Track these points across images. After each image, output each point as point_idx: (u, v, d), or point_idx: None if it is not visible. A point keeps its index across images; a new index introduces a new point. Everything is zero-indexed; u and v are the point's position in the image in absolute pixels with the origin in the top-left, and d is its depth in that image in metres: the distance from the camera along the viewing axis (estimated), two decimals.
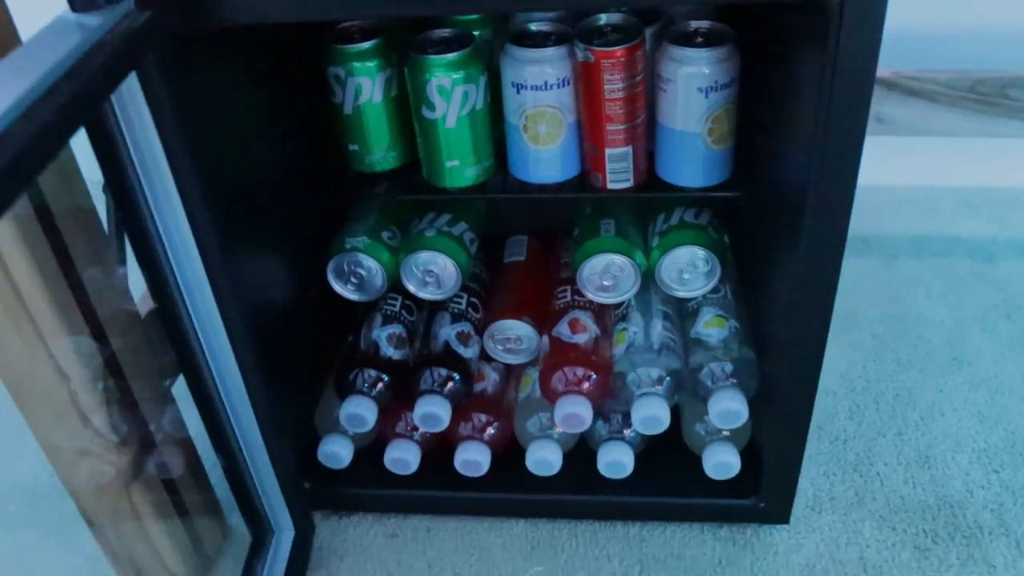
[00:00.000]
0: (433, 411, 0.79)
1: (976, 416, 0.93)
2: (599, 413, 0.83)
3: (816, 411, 0.93)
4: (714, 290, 0.82)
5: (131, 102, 0.56)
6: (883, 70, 1.08)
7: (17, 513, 0.94)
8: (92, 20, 0.52)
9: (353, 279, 0.83)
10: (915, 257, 1.15)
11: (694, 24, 0.73)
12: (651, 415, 0.76)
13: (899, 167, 1.23)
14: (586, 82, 0.72)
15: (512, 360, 0.85)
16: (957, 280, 1.11)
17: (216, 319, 0.68)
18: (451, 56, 0.72)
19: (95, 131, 0.57)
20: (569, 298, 0.84)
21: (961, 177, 1.26)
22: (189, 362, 0.71)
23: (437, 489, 0.86)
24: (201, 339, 0.69)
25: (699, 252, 0.79)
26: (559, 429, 0.81)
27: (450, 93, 0.74)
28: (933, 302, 1.08)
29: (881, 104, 1.09)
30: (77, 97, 0.47)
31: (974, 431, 0.91)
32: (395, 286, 0.84)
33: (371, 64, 0.76)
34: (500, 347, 0.85)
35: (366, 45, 0.76)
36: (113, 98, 0.56)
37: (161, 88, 0.56)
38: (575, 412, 0.77)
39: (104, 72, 0.50)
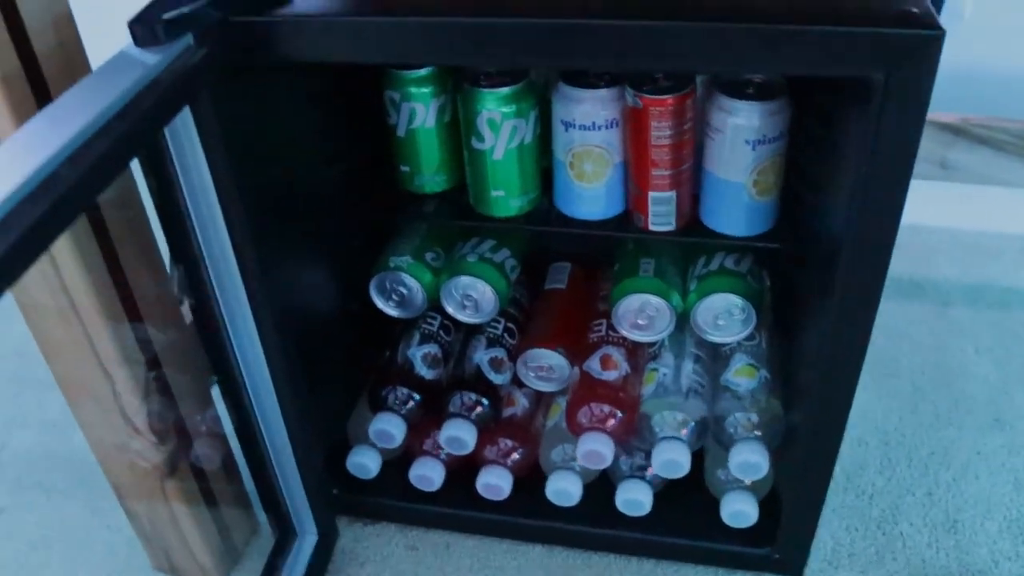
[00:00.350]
0: (459, 435, 0.81)
1: (1012, 482, 0.91)
2: (622, 449, 0.83)
3: (846, 461, 0.94)
4: (749, 337, 0.81)
5: (184, 133, 0.59)
6: (951, 115, 1.06)
7: (66, 488, 0.98)
8: (151, 57, 0.54)
9: (395, 296, 0.85)
10: (969, 306, 1.12)
11: (747, 74, 0.72)
12: (671, 459, 0.77)
13: (963, 211, 1.21)
14: (634, 127, 0.72)
15: (543, 387, 0.86)
16: (1010, 334, 1.08)
17: (251, 328, 0.70)
18: (503, 91, 0.73)
19: (148, 159, 0.59)
20: (604, 332, 0.84)
21: None
22: (224, 368, 0.74)
23: (459, 507, 0.87)
24: (235, 347, 0.72)
25: (735, 300, 0.79)
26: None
27: (499, 126, 0.74)
28: (981, 356, 1.05)
29: (946, 150, 1.06)
30: (131, 133, 0.50)
31: (1008, 498, 0.90)
32: (435, 305, 0.86)
33: (426, 90, 0.77)
34: (532, 374, 0.86)
35: (422, 72, 0.77)
36: (167, 130, 0.58)
37: (212, 120, 0.58)
38: (597, 449, 0.78)
39: (158, 108, 0.53)
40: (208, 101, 0.58)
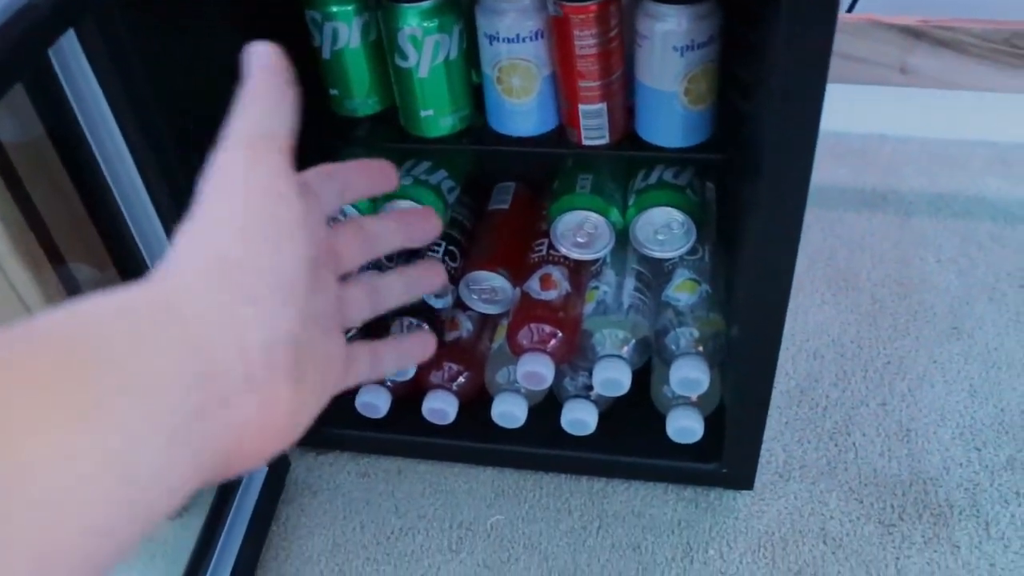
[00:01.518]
0: None
1: (968, 390, 0.90)
2: (567, 369, 0.83)
3: (800, 374, 0.93)
4: (691, 252, 0.80)
5: (72, 58, 0.56)
6: (911, 17, 1.03)
7: None
8: None
9: (332, 224, 0.83)
10: (932, 216, 1.10)
11: None
12: (611, 377, 0.76)
13: (928, 119, 1.18)
14: (557, 37, 0.70)
15: (487, 310, 0.85)
16: (973, 243, 1.06)
17: None
18: (423, 5, 0.70)
19: (35, 89, 0.57)
20: (544, 252, 0.83)
21: (996, 133, 1.19)
22: None
23: (407, 433, 0.87)
24: None
25: (675, 214, 0.77)
26: None
27: (422, 43, 0.72)
28: (943, 266, 1.04)
29: (907, 54, 1.03)
30: (5, 56, 0.48)
31: (962, 406, 0.89)
32: None
33: (348, 8, 0.75)
34: (476, 296, 0.85)
35: None
36: (52, 55, 0.56)
37: (100, 44, 0.56)
38: (536, 370, 0.77)
39: (33, 32, 0.51)
40: (95, 25, 0.56)
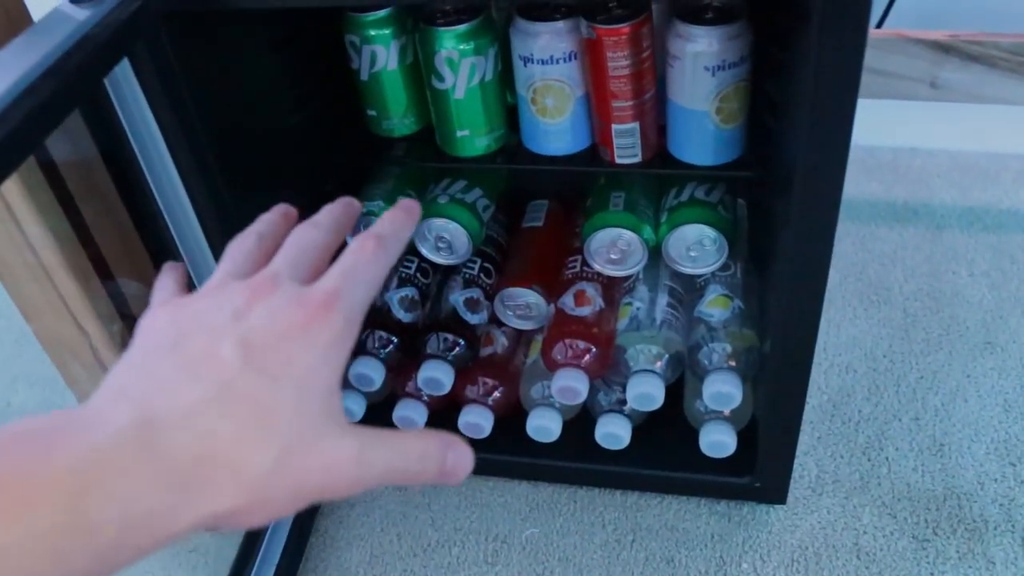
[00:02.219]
0: (436, 376, 0.82)
1: (1002, 405, 0.90)
2: (601, 384, 0.84)
3: (833, 389, 0.93)
4: (723, 268, 0.81)
5: (126, 85, 0.59)
6: (940, 32, 1.03)
7: None
8: (83, 12, 0.54)
9: None
10: (964, 230, 1.10)
11: None
12: (644, 392, 0.77)
13: (959, 133, 1.18)
14: (591, 58, 0.71)
15: (522, 326, 0.87)
16: (1006, 257, 1.06)
17: None
18: (459, 28, 0.72)
19: (91, 114, 0.60)
20: (578, 269, 0.84)
21: None
22: None
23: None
24: None
25: (707, 231, 0.78)
26: None
27: (458, 65, 0.74)
28: (975, 280, 1.04)
29: (937, 69, 1.03)
30: (61, 88, 0.51)
31: (996, 421, 0.89)
32: (412, 248, 0.86)
33: (386, 32, 0.77)
34: (511, 312, 0.86)
35: (380, 13, 0.76)
36: (107, 82, 0.58)
37: (151, 70, 0.58)
38: (571, 385, 0.78)
39: (90, 62, 0.53)
40: (147, 52, 0.58)
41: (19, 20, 0.61)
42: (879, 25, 1.10)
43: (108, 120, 0.60)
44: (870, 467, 0.86)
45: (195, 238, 0.68)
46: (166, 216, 0.66)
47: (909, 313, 1.01)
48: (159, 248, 0.70)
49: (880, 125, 1.11)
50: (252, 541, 0.84)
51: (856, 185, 1.17)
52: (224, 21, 0.69)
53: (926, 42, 1.02)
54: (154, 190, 0.64)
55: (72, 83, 0.51)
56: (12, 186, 0.64)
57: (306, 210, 0.83)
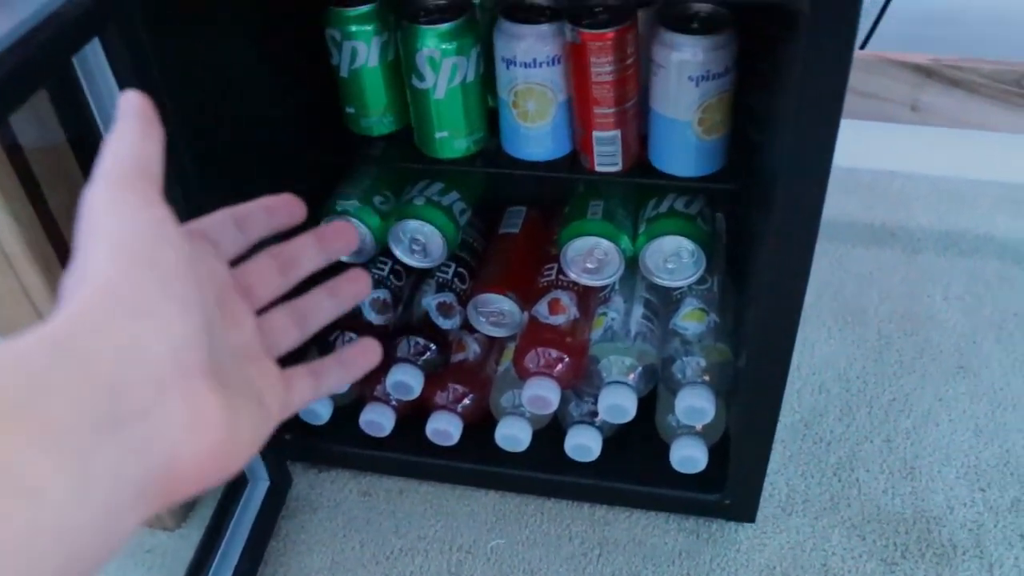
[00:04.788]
0: (405, 380, 0.80)
1: (972, 429, 0.90)
2: (573, 394, 0.82)
3: (805, 408, 0.93)
4: (700, 281, 0.80)
5: (96, 66, 0.57)
6: (922, 55, 1.03)
7: None
8: None
9: None
10: (940, 253, 1.10)
11: (693, 7, 0.70)
12: (616, 404, 0.76)
13: (938, 157, 1.18)
14: (574, 63, 0.70)
15: (495, 333, 0.85)
16: (981, 282, 1.06)
17: None
18: (441, 27, 0.71)
19: (58, 96, 0.58)
20: (554, 277, 0.83)
21: (1005, 172, 1.19)
22: None
23: (410, 453, 0.87)
24: None
25: (685, 243, 0.77)
26: None
27: (439, 64, 0.73)
28: (950, 303, 1.04)
29: (918, 92, 1.04)
30: (29, 61, 0.49)
31: (967, 445, 0.89)
32: (386, 250, 0.85)
33: (368, 28, 0.76)
34: (484, 319, 0.85)
35: (363, 8, 0.75)
36: (76, 63, 0.57)
37: (124, 53, 0.57)
38: (542, 394, 0.77)
39: (59, 39, 0.51)
40: (118, 34, 0.56)
41: None
42: (863, 46, 1.10)
43: (77, 104, 0.58)
44: (840, 488, 0.86)
45: None
46: None
47: (883, 335, 1.00)
48: None
49: (860, 146, 1.10)
50: (211, 541, 0.82)
51: (835, 205, 1.16)
52: (202, 6, 0.67)
53: (908, 65, 1.02)
54: None
55: (38, 59, 0.50)
56: None
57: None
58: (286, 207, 0.40)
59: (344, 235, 0.42)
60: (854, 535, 0.82)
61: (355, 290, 0.42)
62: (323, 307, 0.40)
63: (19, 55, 0.48)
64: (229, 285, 0.36)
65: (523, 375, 0.79)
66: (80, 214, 0.31)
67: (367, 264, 0.87)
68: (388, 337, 0.84)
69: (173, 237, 0.31)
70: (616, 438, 0.84)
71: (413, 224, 0.82)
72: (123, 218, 0.30)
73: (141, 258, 0.29)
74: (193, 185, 0.66)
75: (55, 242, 0.69)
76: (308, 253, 0.40)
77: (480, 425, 0.85)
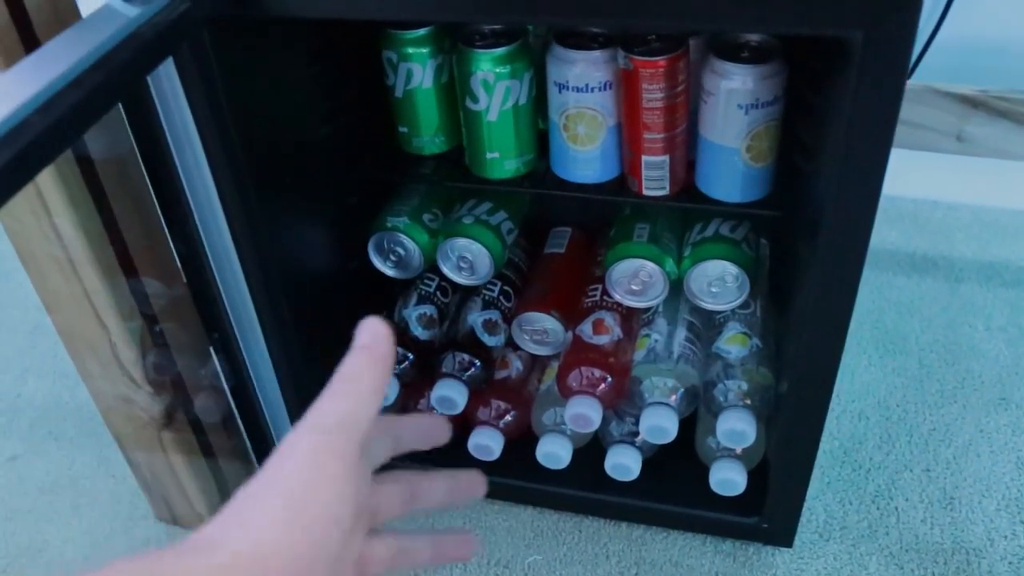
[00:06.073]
0: (449, 395, 0.82)
1: (1014, 462, 0.90)
2: (614, 414, 0.83)
3: (845, 435, 0.93)
4: (743, 306, 0.81)
5: (168, 85, 0.59)
6: (969, 87, 1.04)
7: (75, 437, 1.01)
8: (133, 9, 0.55)
9: (392, 256, 0.86)
10: (983, 284, 1.10)
11: (744, 36, 0.71)
12: (658, 425, 0.77)
13: (982, 188, 1.18)
14: (626, 89, 0.72)
15: (538, 351, 0.87)
16: (1022, 313, 1.06)
17: (242, 287, 0.72)
18: (496, 52, 0.73)
19: (132, 111, 0.61)
20: (598, 297, 0.84)
21: None
22: (218, 325, 0.75)
23: (451, 467, 0.88)
24: (227, 305, 0.73)
25: (729, 267, 0.78)
26: None
27: (493, 88, 0.74)
28: (992, 334, 1.03)
29: (963, 123, 1.04)
30: (105, 84, 0.51)
31: (1008, 477, 0.88)
32: (433, 267, 0.87)
33: (423, 51, 0.78)
34: (528, 337, 0.86)
35: (419, 32, 0.77)
36: (150, 80, 0.59)
37: (194, 72, 0.59)
38: (584, 413, 0.78)
39: (135, 59, 0.54)
40: (190, 53, 0.58)
41: (66, 14, 0.62)
42: (909, 76, 1.10)
43: (148, 118, 0.61)
44: (879, 516, 0.86)
45: (222, 240, 0.69)
46: (195, 216, 0.67)
47: (924, 364, 1.00)
48: (186, 248, 0.70)
49: (904, 175, 1.11)
50: None
51: (876, 233, 1.15)
52: (264, 29, 0.69)
53: (954, 95, 1.02)
54: (186, 189, 0.65)
55: (117, 78, 0.52)
56: (47, 177, 0.64)
57: (334, 222, 0.84)
58: (436, 426, 0.43)
59: (478, 483, 0.44)
60: (892, 564, 0.81)
61: (472, 496, 0.43)
62: (434, 497, 0.41)
63: (101, 74, 0.51)
64: (364, 504, 0.37)
65: (566, 393, 0.80)
66: (279, 447, 0.33)
67: (415, 280, 0.89)
68: (433, 352, 0.86)
69: (346, 494, 0.33)
70: (656, 459, 0.84)
71: (461, 242, 0.83)
72: (307, 478, 0.32)
73: (305, 521, 0.32)
74: (252, 201, 0.68)
75: (117, 249, 0.71)
76: (437, 496, 0.41)
77: (521, 441, 0.87)
